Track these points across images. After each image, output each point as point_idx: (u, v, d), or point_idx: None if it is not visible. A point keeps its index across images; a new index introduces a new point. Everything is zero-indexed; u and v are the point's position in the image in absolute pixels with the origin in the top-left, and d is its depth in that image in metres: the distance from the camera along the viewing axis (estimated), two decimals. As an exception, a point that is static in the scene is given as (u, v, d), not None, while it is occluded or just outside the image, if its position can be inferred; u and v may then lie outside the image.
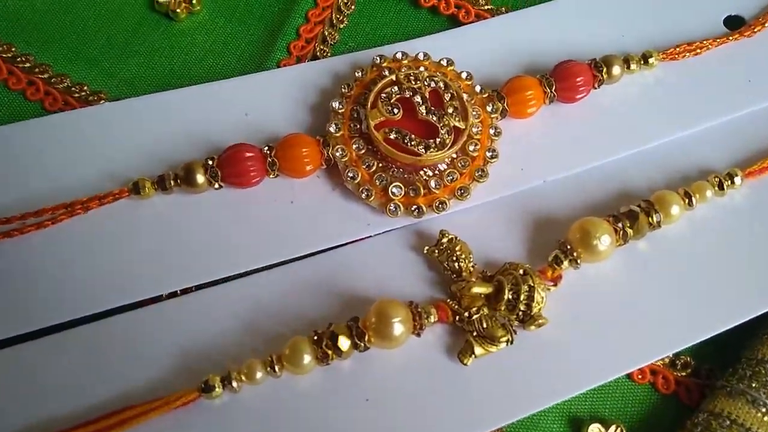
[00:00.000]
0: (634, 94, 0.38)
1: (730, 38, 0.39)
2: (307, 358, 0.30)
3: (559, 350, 0.33)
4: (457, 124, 0.35)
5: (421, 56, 0.37)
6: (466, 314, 0.32)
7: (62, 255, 0.33)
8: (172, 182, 0.33)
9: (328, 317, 0.32)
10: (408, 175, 0.35)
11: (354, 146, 0.35)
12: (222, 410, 0.31)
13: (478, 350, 0.32)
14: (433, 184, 0.34)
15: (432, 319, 0.32)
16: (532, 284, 0.32)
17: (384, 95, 0.35)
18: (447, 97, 0.35)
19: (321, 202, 0.35)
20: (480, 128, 0.35)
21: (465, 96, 0.36)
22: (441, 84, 0.35)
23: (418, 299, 0.33)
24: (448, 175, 0.34)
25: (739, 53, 0.39)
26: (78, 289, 0.32)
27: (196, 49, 0.40)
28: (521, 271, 0.32)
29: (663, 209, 0.34)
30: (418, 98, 0.35)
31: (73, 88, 0.38)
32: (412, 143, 0.34)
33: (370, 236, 0.35)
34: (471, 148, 0.35)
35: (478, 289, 0.32)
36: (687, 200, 0.35)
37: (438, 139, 0.34)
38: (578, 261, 0.33)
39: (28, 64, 0.39)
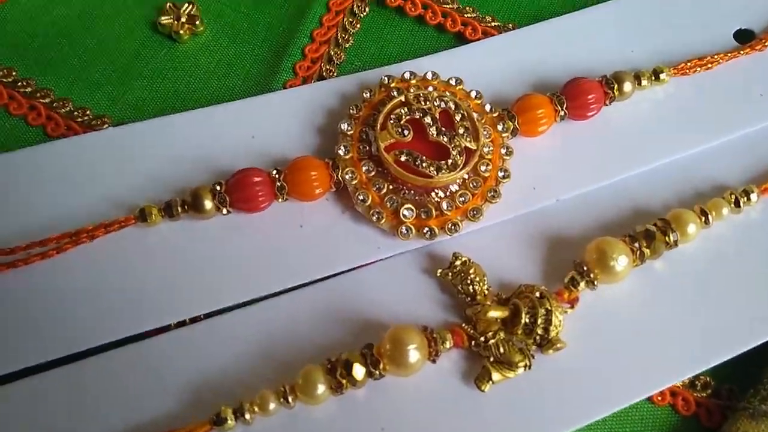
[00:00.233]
0: (646, 111, 0.38)
1: (741, 52, 0.39)
2: (320, 388, 0.30)
3: (577, 374, 0.32)
4: (468, 144, 0.34)
5: (429, 76, 0.36)
6: (483, 339, 0.31)
7: (68, 285, 0.32)
8: (180, 209, 0.33)
9: (341, 343, 0.32)
10: (419, 196, 0.34)
11: (364, 168, 0.34)
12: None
13: (495, 376, 0.31)
14: (445, 205, 0.34)
15: (447, 344, 0.31)
16: (549, 307, 0.31)
17: (393, 116, 0.34)
18: (457, 117, 0.34)
19: (331, 225, 0.34)
20: (491, 148, 0.35)
21: (475, 115, 0.35)
22: (451, 104, 0.35)
23: (431, 323, 0.32)
24: (460, 196, 0.34)
25: (751, 67, 0.39)
26: (85, 320, 0.31)
27: (200, 71, 0.40)
28: (538, 294, 0.32)
29: (679, 228, 0.34)
30: (428, 119, 0.34)
31: (75, 113, 0.38)
32: (424, 165, 0.33)
33: (382, 259, 0.34)
34: (483, 168, 0.34)
35: (494, 313, 0.31)
36: (703, 218, 0.34)
37: (449, 161, 0.33)
38: (595, 282, 0.32)
39: (29, 89, 0.38)
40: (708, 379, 0.34)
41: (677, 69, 0.38)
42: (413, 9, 0.41)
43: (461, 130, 0.34)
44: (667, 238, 0.33)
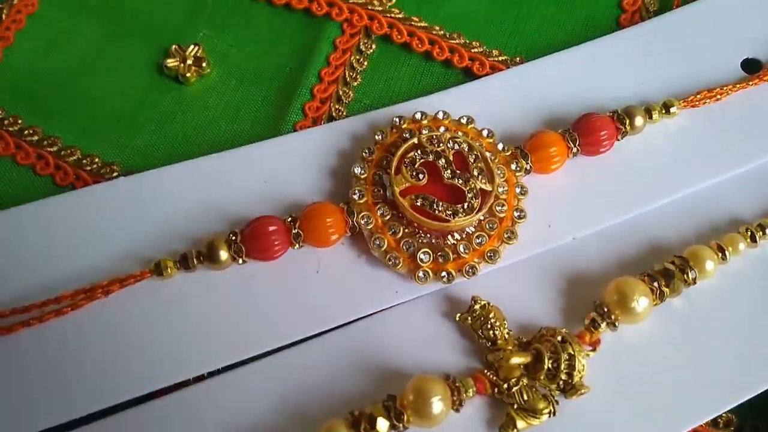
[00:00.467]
0: (658, 144, 0.38)
1: (750, 83, 0.39)
2: (345, 442, 0.29)
3: (600, 417, 0.32)
4: (483, 186, 0.34)
5: (440, 115, 0.36)
6: (506, 386, 0.31)
7: (83, 341, 0.32)
8: (195, 260, 0.32)
9: (362, 392, 0.31)
10: (435, 240, 0.34)
11: (379, 212, 0.34)
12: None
13: (520, 424, 0.31)
14: (462, 248, 0.33)
15: (471, 392, 0.31)
16: (572, 352, 0.31)
17: (407, 160, 0.34)
18: (471, 158, 0.34)
19: (347, 271, 0.34)
20: (506, 188, 0.35)
21: (488, 155, 0.35)
22: (465, 146, 0.34)
23: (452, 369, 0.32)
24: (477, 238, 0.34)
25: (760, 97, 0.39)
26: (100, 380, 0.31)
27: (208, 114, 0.39)
28: (559, 338, 0.31)
29: (697, 265, 0.33)
30: (442, 161, 0.34)
31: (84, 161, 0.37)
32: (440, 209, 0.33)
33: (400, 303, 0.34)
34: (498, 208, 0.34)
35: (516, 360, 0.31)
36: (720, 254, 0.34)
37: (466, 204, 0.33)
38: (616, 324, 0.32)
39: (36, 137, 0.38)
40: (731, 416, 0.34)
41: (687, 101, 0.38)
42: (420, 45, 0.41)
43: (476, 172, 0.34)
44: (685, 276, 0.33)
